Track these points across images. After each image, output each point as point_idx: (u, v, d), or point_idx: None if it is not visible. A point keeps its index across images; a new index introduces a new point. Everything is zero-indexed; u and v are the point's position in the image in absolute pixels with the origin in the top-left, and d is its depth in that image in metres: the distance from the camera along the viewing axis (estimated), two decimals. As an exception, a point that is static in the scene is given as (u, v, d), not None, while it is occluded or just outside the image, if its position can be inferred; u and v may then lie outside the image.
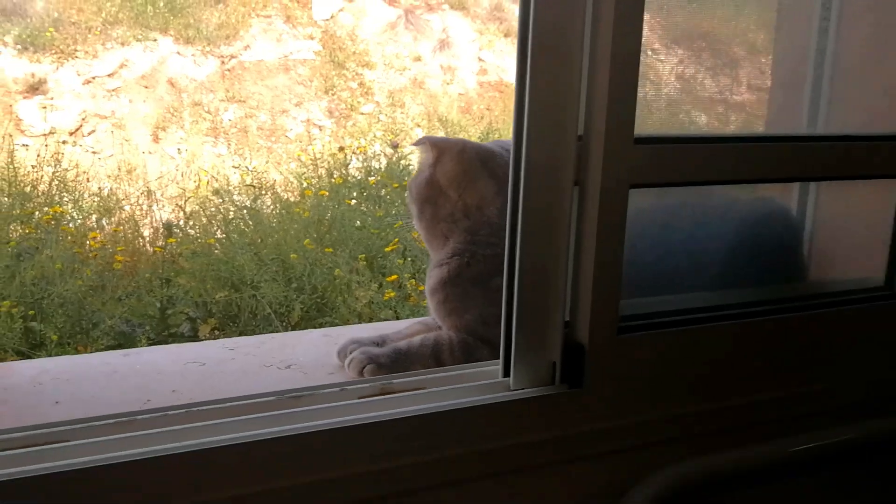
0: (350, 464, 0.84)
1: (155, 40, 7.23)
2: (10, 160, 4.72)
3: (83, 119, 6.55)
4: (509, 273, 0.92)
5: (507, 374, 0.94)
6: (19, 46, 6.66)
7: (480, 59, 8.56)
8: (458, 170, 1.10)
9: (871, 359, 1.17)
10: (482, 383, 0.94)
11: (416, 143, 1.16)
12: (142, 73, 7.09)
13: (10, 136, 5.79)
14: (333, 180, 5.11)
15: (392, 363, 1.02)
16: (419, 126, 7.44)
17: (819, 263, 1.25)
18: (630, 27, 0.87)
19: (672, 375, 1.01)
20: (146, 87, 7.07)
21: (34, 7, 6.97)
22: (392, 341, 1.10)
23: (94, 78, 6.91)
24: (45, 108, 6.42)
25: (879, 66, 1.20)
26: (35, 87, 6.55)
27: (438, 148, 1.12)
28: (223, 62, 7.48)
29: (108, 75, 7.00)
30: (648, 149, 0.92)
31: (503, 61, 8.59)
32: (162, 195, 5.54)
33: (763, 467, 1.05)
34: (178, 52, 7.31)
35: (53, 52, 6.76)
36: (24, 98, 6.46)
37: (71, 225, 4.54)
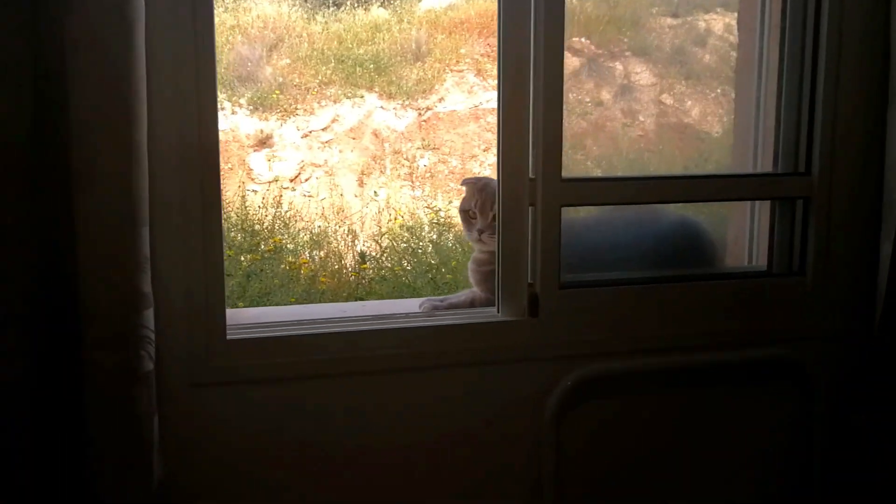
0: (421, 344, 1.60)
1: (362, 97, 8.29)
2: (242, 203, 5.88)
3: (301, 167, 7.72)
4: (497, 256, 1.66)
5: (498, 310, 1.68)
6: (251, 107, 8.00)
7: (661, 103, 9.02)
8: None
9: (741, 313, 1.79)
10: (486, 312, 1.69)
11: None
12: (350, 126, 8.20)
13: (243, 183, 7.09)
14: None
15: (445, 307, 1.78)
16: (599, 168, 8.04)
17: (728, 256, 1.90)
18: (554, 111, 1.60)
19: (595, 316, 1.69)
20: (353, 139, 8.17)
21: (264, 73, 8.30)
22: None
23: (310, 132, 8.11)
24: (270, 158, 7.69)
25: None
26: (263, 141, 7.85)
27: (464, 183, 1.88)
28: (420, 114, 8.44)
29: (322, 129, 8.18)
30: (571, 184, 1.65)
31: (683, 104, 8.98)
32: (361, 231, 6.54)
33: (643, 373, 1.71)
34: (382, 107, 8.34)
35: (278, 110, 8.04)
36: (255, 151, 7.77)
37: (288, 255, 5.60)
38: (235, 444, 1.52)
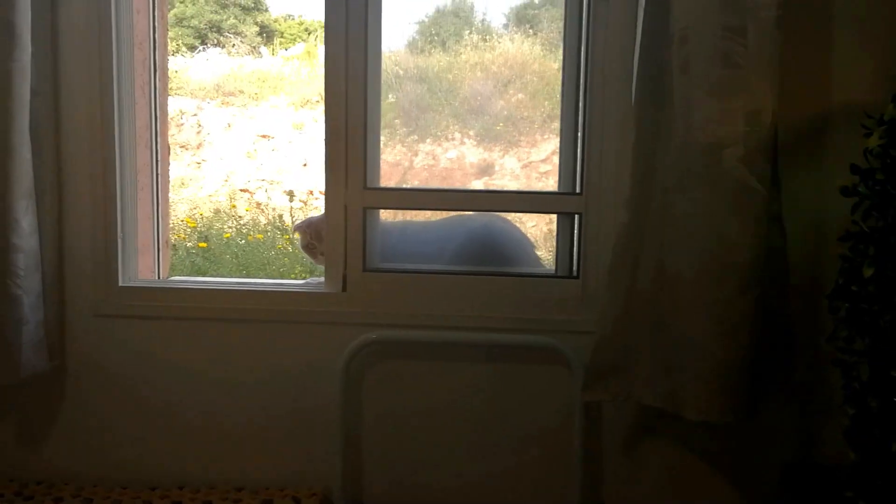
0: (267, 302, 2.25)
1: (586, 131, 8.83)
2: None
3: (517, 195, 8.44)
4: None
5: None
6: (478, 138, 8.86)
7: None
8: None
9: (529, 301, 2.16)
10: (317, 285, 2.27)
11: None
12: (569, 159, 8.75)
13: (461, 210, 7.95)
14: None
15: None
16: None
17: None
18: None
19: (392, 295, 2.17)
20: (571, 170, 8.71)
21: (493, 108, 9.12)
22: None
23: (530, 162, 8.78)
24: (487, 185, 8.46)
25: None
26: (484, 170, 8.65)
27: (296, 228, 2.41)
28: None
29: (542, 160, 8.81)
30: (371, 192, 2.18)
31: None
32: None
33: (424, 343, 2.15)
34: (603, 141, 8.81)
35: (502, 142, 8.81)
36: (475, 178, 8.60)
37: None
38: (117, 354, 2.27)
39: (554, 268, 2.22)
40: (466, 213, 2.32)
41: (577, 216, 2.15)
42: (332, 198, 2.18)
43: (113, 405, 2.29)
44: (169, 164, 2.55)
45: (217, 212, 6.59)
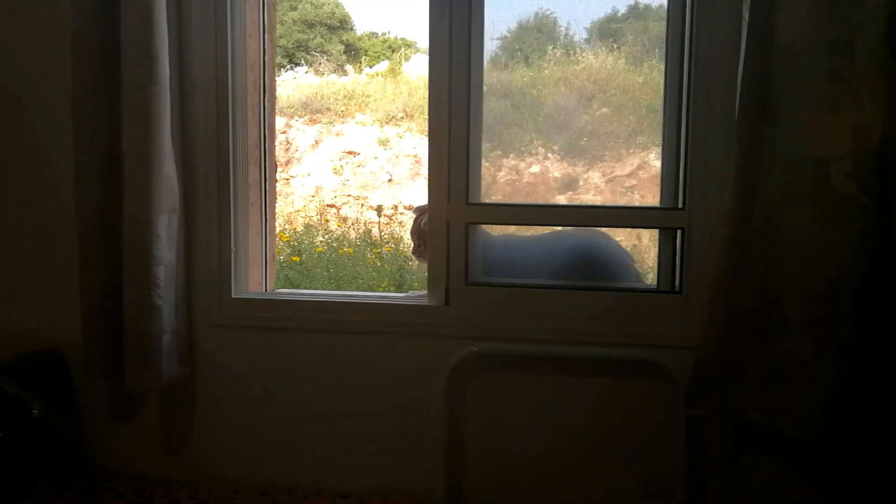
0: (372, 314, 2.33)
1: (671, 145, 8.77)
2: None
3: (602, 209, 8.42)
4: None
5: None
6: (562, 152, 8.87)
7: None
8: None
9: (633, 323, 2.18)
10: (420, 298, 2.35)
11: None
12: (654, 173, 8.68)
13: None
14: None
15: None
16: None
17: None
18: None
19: (496, 308, 2.22)
20: (657, 185, 8.64)
21: (577, 122, 9.12)
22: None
23: (615, 177, 8.74)
24: (570, 200, 8.46)
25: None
26: (568, 185, 8.64)
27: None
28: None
29: (627, 175, 8.76)
30: (474, 207, 2.23)
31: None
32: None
33: (528, 356, 2.19)
34: (689, 154, 8.73)
35: (586, 156, 8.80)
36: (559, 193, 8.61)
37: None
38: (232, 362, 2.37)
39: (656, 283, 2.23)
40: (565, 228, 2.35)
41: (679, 231, 2.16)
42: (435, 213, 2.24)
43: (228, 411, 2.39)
44: (276, 181, 2.66)
45: (307, 226, 6.77)
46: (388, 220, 7.49)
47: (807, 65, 1.83)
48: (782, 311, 1.90)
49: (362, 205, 8.19)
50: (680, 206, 2.15)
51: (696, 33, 2.09)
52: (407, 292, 2.46)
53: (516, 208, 2.32)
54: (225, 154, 2.30)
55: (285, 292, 2.49)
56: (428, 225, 2.27)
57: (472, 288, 2.25)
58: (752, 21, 1.89)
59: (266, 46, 2.53)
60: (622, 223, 2.29)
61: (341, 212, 8.77)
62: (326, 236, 6.12)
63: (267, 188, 2.54)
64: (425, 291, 2.30)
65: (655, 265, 2.27)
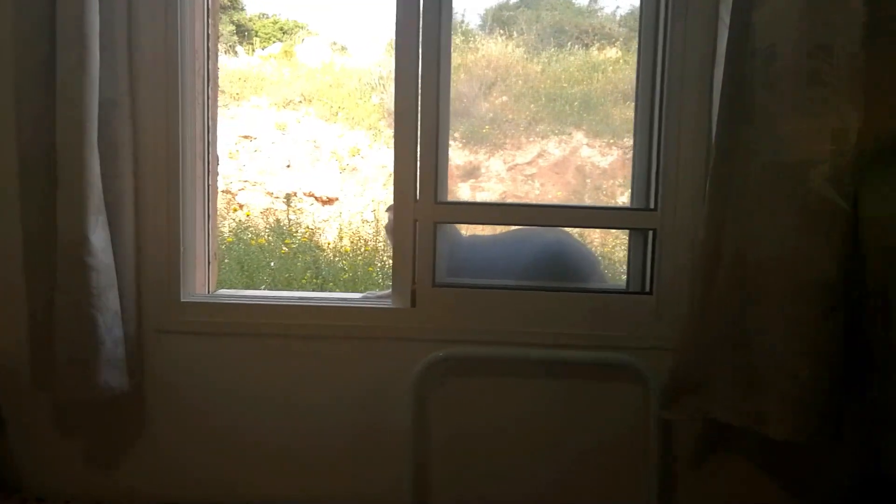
0: (330, 318, 2.20)
1: (570, 134, 8.84)
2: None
3: (503, 198, 8.42)
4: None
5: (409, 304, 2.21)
6: (463, 140, 8.85)
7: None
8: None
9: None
10: (384, 300, 2.23)
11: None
12: (555, 162, 8.77)
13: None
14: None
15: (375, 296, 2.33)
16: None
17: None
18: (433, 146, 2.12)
19: (463, 310, 2.16)
20: (556, 174, 8.69)
21: (478, 110, 9.12)
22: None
23: (515, 165, 8.79)
24: (473, 189, 8.46)
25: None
26: (470, 173, 8.64)
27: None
28: (624, 153, 8.83)
29: (527, 163, 8.82)
30: (443, 205, 2.15)
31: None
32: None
33: (495, 359, 2.13)
34: (587, 144, 8.81)
35: (487, 144, 8.81)
36: (461, 181, 8.59)
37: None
38: (179, 367, 2.22)
39: (625, 284, 2.21)
40: (533, 227, 2.29)
41: (651, 232, 2.14)
42: (401, 212, 2.14)
43: (179, 424, 2.23)
44: (217, 175, 2.50)
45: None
46: (286, 209, 7.31)
47: (787, 67, 1.83)
48: (759, 314, 1.90)
49: (269, 192, 7.94)
50: (652, 206, 2.13)
51: (669, 33, 2.06)
52: (364, 293, 2.35)
53: (486, 207, 2.27)
54: (175, 146, 2.14)
55: (235, 294, 2.34)
56: (392, 224, 2.17)
57: (439, 289, 2.17)
58: (731, 23, 1.88)
59: (210, 31, 2.36)
60: (594, 224, 2.25)
61: (237, 198, 8.48)
62: (234, 226, 5.89)
63: (209, 182, 2.38)
64: (388, 292, 2.21)
65: (625, 266, 2.26)
